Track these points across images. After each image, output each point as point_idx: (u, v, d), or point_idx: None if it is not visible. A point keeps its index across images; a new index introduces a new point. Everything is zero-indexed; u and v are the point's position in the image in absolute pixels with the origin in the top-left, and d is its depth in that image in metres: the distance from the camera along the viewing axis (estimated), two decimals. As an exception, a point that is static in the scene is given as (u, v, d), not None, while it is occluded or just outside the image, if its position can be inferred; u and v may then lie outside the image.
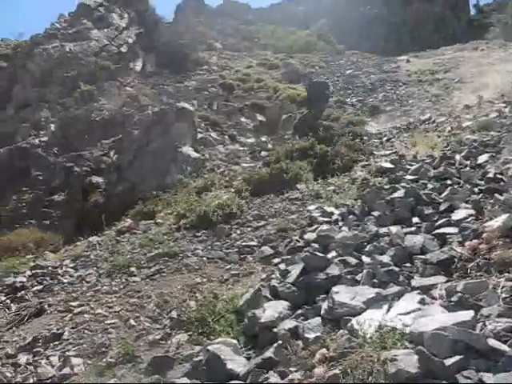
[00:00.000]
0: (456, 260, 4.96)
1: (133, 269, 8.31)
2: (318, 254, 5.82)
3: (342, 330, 4.20)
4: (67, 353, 6.09)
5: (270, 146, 17.30)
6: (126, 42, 30.52)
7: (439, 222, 6.07)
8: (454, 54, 30.87)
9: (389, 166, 9.79)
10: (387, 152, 11.84)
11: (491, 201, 6.31)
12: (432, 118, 15.91)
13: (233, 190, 11.59)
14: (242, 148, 18.74)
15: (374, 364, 3.45)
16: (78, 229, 15.01)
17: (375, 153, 12.05)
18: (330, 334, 4.26)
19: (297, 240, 7.35)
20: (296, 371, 3.96)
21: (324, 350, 3.98)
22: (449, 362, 3.26)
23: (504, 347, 3.29)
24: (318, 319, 4.57)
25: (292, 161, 11.78)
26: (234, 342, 4.77)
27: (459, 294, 4.08)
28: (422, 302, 4.24)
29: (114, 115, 20.61)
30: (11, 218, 16.35)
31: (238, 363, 4.38)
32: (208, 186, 12.47)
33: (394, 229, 6.17)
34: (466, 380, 3.16)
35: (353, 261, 5.61)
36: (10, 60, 29.27)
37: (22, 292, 8.79)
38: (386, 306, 4.29)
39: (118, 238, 10.67)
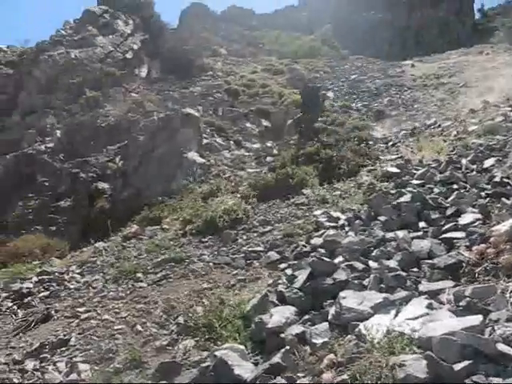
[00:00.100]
0: (464, 264, 4.94)
1: (139, 274, 8.32)
2: (324, 259, 5.80)
3: (349, 336, 4.18)
4: (74, 359, 6.08)
5: (275, 151, 17.32)
6: (131, 49, 30.63)
7: (446, 226, 6.04)
8: (459, 59, 30.86)
9: (395, 170, 9.77)
10: (393, 157, 11.82)
11: (498, 205, 6.29)
12: (437, 123, 15.90)
13: (239, 196, 11.59)
14: (247, 153, 18.78)
15: (383, 369, 3.44)
16: (83, 235, 15.05)
17: (381, 157, 12.03)
18: (337, 339, 4.24)
19: (303, 245, 7.33)
20: (304, 377, 3.94)
21: (332, 356, 3.96)
22: (458, 366, 3.24)
23: (513, 352, 3.28)
24: (325, 324, 4.55)
25: (298, 166, 11.79)
26: (242, 347, 4.75)
27: (467, 299, 4.07)
28: (429, 306, 4.22)
29: (119, 121, 20.67)
30: (17, 225, 16.40)
31: (245, 369, 4.36)
32: (214, 192, 12.47)
33: (400, 233, 6.15)
34: (475, 385, 3.15)
35: (360, 266, 5.59)
36: (16, 67, 29.41)
37: (29, 298, 8.80)
38: (393, 311, 4.27)
39: (124, 244, 10.69)
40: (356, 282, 5.18)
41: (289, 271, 6.28)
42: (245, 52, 39.86)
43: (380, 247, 6.02)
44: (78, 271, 9.75)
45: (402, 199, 7.33)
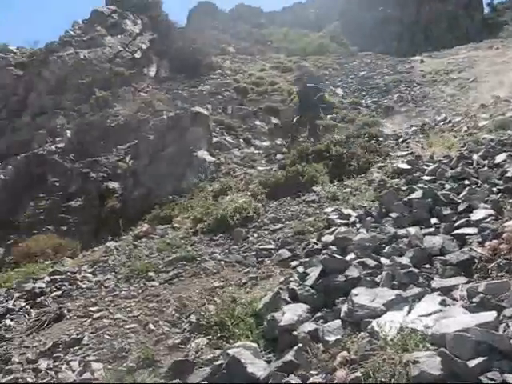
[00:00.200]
0: (476, 260, 4.91)
1: (151, 273, 8.33)
2: (336, 256, 5.78)
3: (362, 333, 4.16)
4: (87, 358, 6.09)
5: (285, 148, 17.29)
6: (140, 48, 30.71)
7: (458, 222, 6.01)
8: (469, 54, 30.70)
9: (405, 166, 9.72)
10: (403, 153, 11.76)
11: (510, 200, 6.25)
12: (448, 118, 15.81)
13: (249, 194, 11.59)
14: (257, 151, 18.78)
15: (396, 366, 3.42)
16: (95, 234, 15.14)
17: (391, 154, 11.99)
18: (350, 336, 4.22)
19: (314, 242, 7.30)
20: (317, 374, 3.94)
21: (345, 353, 3.95)
22: (472, 363, 3.22)
23: (528, 348, 3.26)
24: (337, 322, 4.54)
25: (308, 163, 11.75)
26: (254, 345, 4.75)
27: (481, 295, 4.04)
28: (442, 303, 4.20)
29: (129, 121, 20.75)
30: (29, 225, 16.52)
31: (258, 367, 4.36)
32: (224, 190, 12.48)
33: (412, 230, 6.13)
34: (490, 382, 3.11)
35: (372, 263, 5.57)
36: (26, 68, 29.56)
37: (42, 298, 8.85)
38: (406, 308, 4.26)
39: (135, 243, 10.71)
40: (368, 278, 5.16)
41: (300, 269, 6.27)
42: (253, 50, 39.84)
43: (392, 244, 6.00)
44: (89, 271, 9.78)
45: (413, 195, 7.30)
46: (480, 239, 5.34)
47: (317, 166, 11.57)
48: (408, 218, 6.74)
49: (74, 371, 5.91)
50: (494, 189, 6.89)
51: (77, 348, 6.48)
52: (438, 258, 5.31)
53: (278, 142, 18.47)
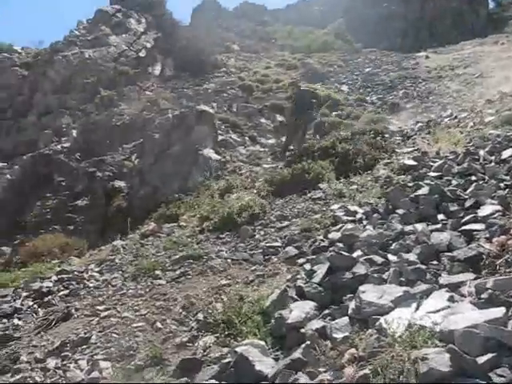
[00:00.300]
0: (484, 256, 4.89)
1: (158, 272, 8.34)
2: (343, 253, 5.77)
3: (370, 330, 4.15)
4: (95, 356, 6.11)
5: (290, 146, 17.27)
6: (145, 47, 30.76)
7: (465, 218, 5.98)
8: (474, 49, 30.60)
9: (411, 163, 9.69)
10: (409, 149, 11.73)
11: (517, 196, 6.23)
12: (453, 114, 15.76)
13: (255, 191, 11.59)
14: (262, 149, 18.78)
15: (405, 363, 3.41)
16: (101, 233, 15.16)
17: (397, 150, 11.95)
18: (358, 333, 4.21)
19: (321, 240, 7.29)
20: (325, 371, 3.93)
21: (353, 350, 3.94)
22: (481, 360, 3.21)
23: (537, 344, 3.25)
24: (345, 319, 4.53)
25: (314, 160, 11.73)
26: (262, 343, 4.75)
27: (489, 291, 4.03)
28: (451, 299, 4.18)
29: (134, 120, 20.78)
30: (36, 224, 16.56)
31: (266, 364, 4.36)
32: (230, 188, 12.47)
33: (419, 226, 6.10)
34: (500, 378, 3.10)
35: (379, 259, 5.56)
36: (31, 68, 29.66)
37: (49, 297, 8.87)
38: (414, 305, 4.24)
39: (142, 242, 10.72)
40: (375, 275, 5.15)
41: (307, 266, 6.26)
42: (258, 48, 39.84)
43: (399, 240, 5.98)
44: (96, 270, 9.80)
45: (419, 192, 7.27)
46: (487, 235, 5.31)
47: (323, 163, 11.55)
48: (415, 215, 6.71)
49: (82, 370, 5.93)
50: (501, 184, 6.86)
51: (85, 347, 6.50)
52: (446, 254, 5.29)
53: (284, 139, 18.39)
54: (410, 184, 8.07)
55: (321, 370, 3.98)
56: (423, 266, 5.07)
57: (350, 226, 7.16)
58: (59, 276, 9.75)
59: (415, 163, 9.61)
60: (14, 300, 9.29)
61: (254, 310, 5.65)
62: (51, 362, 6.40)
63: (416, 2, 50.02)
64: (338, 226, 7.51)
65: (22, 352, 6.98)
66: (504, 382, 3.09)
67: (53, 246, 13.53)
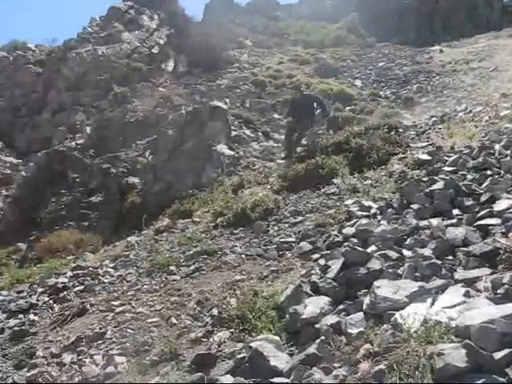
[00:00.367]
0: (500, 251, 4.84)
1: (172, 267, 8.36)
2: (357, 248, 5.74)
3: (385, 325, 4.13)
4: (111, 351, 6.15)
5: (303, 141, 17.22)
6: (157, 43, 30.83)
7: (481, 213, 5.92)
8: (489, 42, 30.31)
9: (426, 157, 9.61)
10: (424, 144, 11.63)
11: (534, 190, 6.17)
12: (468, 108, 15.62)
13: (269, 187, 11.58)
14: (275, 144, 18.73)
15: (421, 359, 3.39)
16: (116, 229, 15.24)
17: (411, 145, 11.86)
18: (373, 328, 4.20)
19: (335, 235, 7.26)
20: (340, 367, 3.92)
21: (368, 345, 3.93)
22: (498, 355, 3.18)
23: (555, 340, 3.21)
24: (360, 314, 4.52)
25: (327, 156, 11.69)
26: (277, 338, 4.76)
27: (506, 286, 3.99)
28: (466, 294, 4.15)
29: (147, 116, 20.84)
30: (51, 221, 16.69)
31: (281, 360, 4.36)
32: (244, 184, 12.47)
33: (434, 221, 6.06)
34: (517, 374, 3.09)
35: (393, 255, 5.52)
36: (45, 65, 29.89)
37: (64, 292, 8.94)
38: (429, 300, 4.21)
39: (156, 238, 10.75)
40: (390, 271, 5.12)
41: (322, 261, 6.25)
42: (270, 43, 39.76)
43: (414, 235, 5.94)
44: (111, 265, 9.85)
45: (434, 186, 7.21)
46: (503, 230, 5.26)
47: (336, 158, 11.49)
48: (429, 210, 6.66)
49: (97, 365, 5.98)
50: (517, 178, 6.79)
51: (100, 342, 6.55)
52: (461, 249, 5.25)
53: (297, 134, 18.35)
54: (425, 179, 8.01)
55: (335, 365, 3.97)
56: (438, 261, 5.04)
57: (364, 221, 7.14)
58: (74, 272, 9.82)
59: (430, 158, 9.53)
60: (30, 295, 9.38)
61: (269, 306, 5.65)
62: (67, 357, 6.46)
63: (430, -5, 49.62)
64: (352, 221, 7.48)
65: (38, 347, 7.05)
66: (521, 378, 3.07)
67: (68, 242, 13.64)
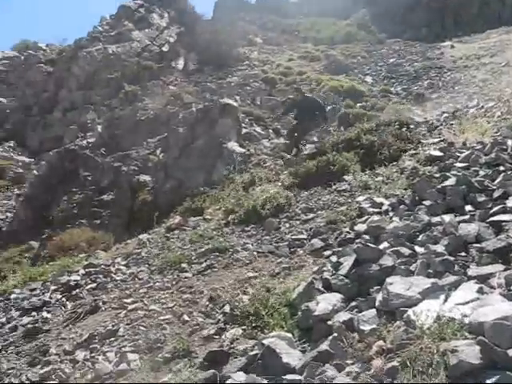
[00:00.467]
0: (514, 248, 4.83)
1: (184, 265, 8.38)
2: (370, 245, 5.73)
3: (398, 322, 4.12)
4: (123, 349, 6.19)
5: (314, 138, 17.17)
6: (168, 42, 30.87)
7: (494, 209, 5.89)
8: (500, 37, 30.08)
9: (438, 154, 9.56)
10: (435, 140, 11.57)
11: (547, 186, 6.12)
12: (480, 104, 15.52)
13: (280, 184, 11.56)
14: (287, 141, 18.67)
15: (434, 355, 3.39)
16: (127, 227, 15.28)
17: (423, 141, 11.79)
18: (385, 325, 4.19)
19: (347, 232, 7.24)
20: (353, 364, 3.92)
21: (381, 342, 3.92)
22: (512, 352, 3.18)
23: None
24: (372, 311, 4.50)
25: (338, 152, 11.65)
26: (289, 335, 4.76)
27: (520, 283, 3.98)
28: (480, 291, 4.12)
29: (158, 114, 20.87)
30: (63, 219, 16.76)
31: (293, 357, 4.36)
32: (255, 181, 12.46)
33: (446, 218, 6.03)
34: (532, 371, 3.07)
35: (406, 251, 5.50)
36: (56, 64, 30.05)
37: (77, 290, 9.01)
38: (442, 297, 4.20)
39: (167, 235, 10.77)
40: (403, 267, 5.11)
41: (333, 258, 6.23)
42: (280, 40, 39.68)
43: (426, 232, 5.92)
44: (123, 263, 9.89)
45: (446, 183, 7.18)
46: (517, 226, 5.24)
47: (347, 154, 11.45)
48: (442, 206, 6.63)
49: (110, 362, 6.01)
50: (530, 174, 6.75)
51: (113, 339, 6.58)
52: (474, 245, 5.23)
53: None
54: (437, 175, 7.97)
55: (348, 362, 3.97)
56: (451, 258, 5.02)
57: (376, 217, 7.12)
58: (86, 269, 9.88)
59: (441, 154, 9.48)
60: (43, 293, 9.45)
61: (281, 303, 5.66)
62: (80, 354, 6.50)
63: (441, -10, 49.29)
64: (363, 218, 7.47)
65: (52, 344, 7.10)
66: (536, 375, 3.05)
67: (80, 240, 13.70)
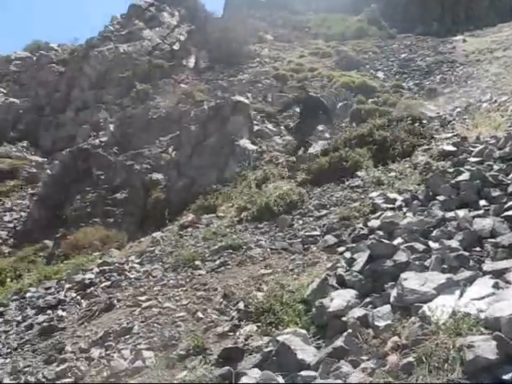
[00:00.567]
0: (529, 242, 4.79)
1: (197, 262, 8.40)
2: (384, 240, 5.70)
3: (413, 317, 4.10)
4: (138, 346, 6.22)
5: (327, 134, 17.15)
6: (178, 40, 30.91)
7: (508, 203, 5.83)
8: (513, 31, 29.84)
9: (451, 148, 9.49)
10: (448, 135, 11.50)
11: (562, 180, 6.07)
12: (493, 98, 15.42)
13: (292, 181, 11.55)
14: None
15: (450, 351, 3.37)
16: (140, 225, 15.35)
17: (436, 136, 11.73)
18: (400, 321, 4.17)
19: (360, 228, 7.21)
20: (368, 360, 3.91)
21: (396, 338, 3.91)
22: (529, 347, 3.15)
23: None
24: (387, 307, 4.49)
25: (351, 148, 11.61)
26: (304, 331, 4.75)
27: (536, 277, 3.95)
28: (495, 286, 4.09)
29: (170, 112, 20.94)
30: (76, 217, 16.88)
31: (308, 353, 4.36)
32: (267, 178, 12.46)
33: (461, 213, 5.98)
34: (549, 366, 3.05)
35: (420, 247, 5.47)
36: (68, 64, 30.19)
37: (91, 288, 9.06)
38: (458, 292, 4.17)
39: (180, 233, 10.80)
40: (417, 263, 5.08)
41: (347, 254, 6.21)
42: (291, 37, 39.57)
43: (440, 227, 5.87)
44: (137, 261, 9.93)
45: (460, 178, 7.11)
46: (532, 220, 5.20)
47: (360, 150, 11.40)
48: (456, 201, 6.58)
49: (125, 359, 6.04)
50: (545, 168, 6.69)
51: (128, 337, 6.62)
52: (489, 240, 5.19)
53: (320, 128, 18.25)
54: (450, 170, 7.90)
55: (363, 358, 3.96)
56: (466, 253, 4.98)
57: (389, 213, 7.07)
58: (101, 268, 9.93)
59: (455, 149, 9.40)
60: (58, 292, 9.51)
61: (295, 299, 5.65)
62: (95, 352, 6.55)
63: (452, -16, 48.94)
64: (377, 214, 7.43)
65: (67, 342, 7.15)
66: (553, 370, 3.03)
67: (93, 239, 13.79)
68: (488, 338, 3.33)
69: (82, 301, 8.69)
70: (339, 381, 3.65)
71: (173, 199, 15.92)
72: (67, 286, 9.61)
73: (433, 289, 4.32)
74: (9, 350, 7.71)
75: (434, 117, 14.74)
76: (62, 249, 14.39)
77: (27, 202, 20.74)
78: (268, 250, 8.04)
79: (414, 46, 32.43)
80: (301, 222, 8.96)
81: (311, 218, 8.96)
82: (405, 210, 7.25)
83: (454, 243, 5.24)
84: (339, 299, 4.96)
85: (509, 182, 6.58)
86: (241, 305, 6.20)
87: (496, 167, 7.32)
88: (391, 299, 4.57)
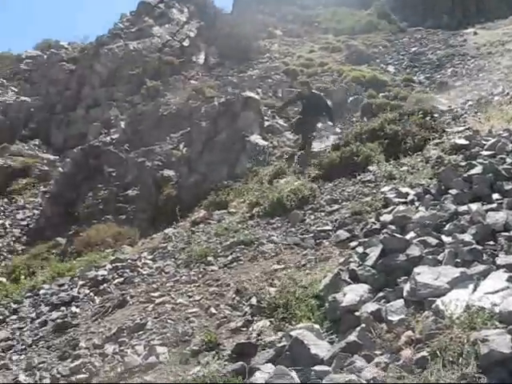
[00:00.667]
0: (544, 235, 4.76)
1: (210, 258, 8.42)
2: (396, 235, 5.69)
3: (426, 312, 4.10)
4: (152, 342, 6.26)
5: (337, 129, 17.10)
6: (188, 36, 30.89)
7: (522, 197, 5.83)
8: (525, 23, 29.57)
9: (463, 142, 9.43)
10: (460, 128, 11.43)
11: None
12: (505, 91, 15.31)
13: (302, 177, 11.52)
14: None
15: (464, 345, 3.36)
16: (152, 222, 15.39)
17: (447, 130, 11.66)
18: (414, 315, 4.17)
19: (373, 222, 7.19)
20: (381, 354, 3.90)
21: (410, 332, 3.90)
22: (543, 341, 3.14)
23: None
24: (400, 301, 4.48)
25: (362, 143, 11.56)
26: (317, 326, 4.76)
27: (550, 271, 3.92)
28: (509, 280, 4.07)
29: (180, 109, 20.94)
30: (88, 215, 16.95)
31: (321, 348, 4.36)
32: (278, 173, 12.45)
33: (474, 206, 5.95)
34: None
35: (433, 241, 5.45)
36: (78, 62, 30.28)
37: (105, 285, 9.12)
38: (471, 286, 4.16)
39: (192, 229, 10.83)
40: (430, 257, 5.06)
41: (360, 249, 6.21)
42: (300, 32, 39.41)
43: (453, 221, 5.84)
44: (149, 257, 9.97)
45: (472, 171, 7.07)
46: (546, 213, 5.16)
47: (371, 145, 11.36)
48: (468, 195, 6.54)
49: (139, 355, 6.07)
50: (559, 161, 6.64)
51: (141, 333, 6.65)
52: (502, 234, 5.17)
53: (330, 122, 18.21)
54: (463, 163, 7.85)
55: (377, 352, 3.96)
56: (479, 247, 4.96)
57: (401, 207, 7.05)
58: (113, 264, 9.98)
59: (467, 142, 9.34)
60: (71, 288, 9.58)
61: (308, 294, 5.66)
62: (109, 348, 6.59)
63: (462, -23, 48.57)
64: (389, 208, 7.40)
65: (81, 338, 7.20)
66: None
67: (106, 236, 13.85)
68: (502, 331, 3.32)
69: (96, 297, 8.75)
70: (353, 376, 3.64)
71: (184, 195, 15.94)
72: (80, 282, 9.67)
73: (446, 283, 4.31)
74: (23, 347, 7.78)
75: (446, 110, 14.66)
76: (75, 246, 14.47)
77: (40, 199, 20.85)
78: (280, 245, 8.04)
79: (425, 40, 32.19)
80: (313, 217, 8.94)
81: (323, 213, 8.94)
82: (417, 204, 7.22)
83: (467, 237, 5.22)
84: (352, 294, 4.96)
85: (522, 175, 6.54)
86: (253, 300, 6.21)
87: (509, 160, 7.28)
88: (404, 293, 4.56)
